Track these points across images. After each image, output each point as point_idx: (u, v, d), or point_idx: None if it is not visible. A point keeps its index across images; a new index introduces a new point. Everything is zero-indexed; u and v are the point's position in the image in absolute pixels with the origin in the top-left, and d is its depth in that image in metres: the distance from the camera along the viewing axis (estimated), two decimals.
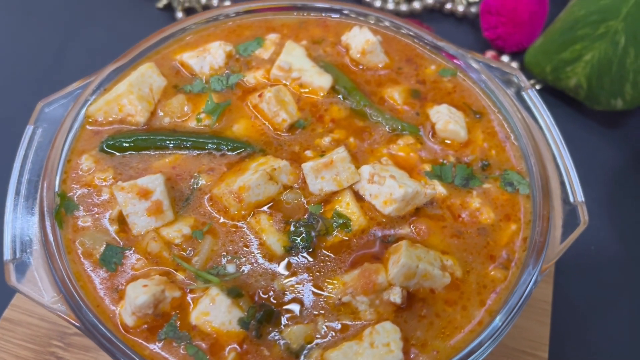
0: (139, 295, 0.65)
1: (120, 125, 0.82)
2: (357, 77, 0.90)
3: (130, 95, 0.81)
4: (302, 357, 0.66)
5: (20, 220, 0.73)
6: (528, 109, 0.86)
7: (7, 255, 0.70)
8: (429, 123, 0.85)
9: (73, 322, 0.65)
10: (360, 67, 0.91)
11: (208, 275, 0.71)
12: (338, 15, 0.96)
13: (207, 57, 0.89)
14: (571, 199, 0.77)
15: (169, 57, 0.90)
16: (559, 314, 0.93)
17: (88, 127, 0.82)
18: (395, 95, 0.88)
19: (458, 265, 0.73)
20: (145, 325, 0.67)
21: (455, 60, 0.91)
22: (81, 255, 0.72)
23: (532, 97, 0.87)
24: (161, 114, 0.84)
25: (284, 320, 0.68)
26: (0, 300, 0.89)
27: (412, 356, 0.67)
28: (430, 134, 0.84)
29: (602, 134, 1.15)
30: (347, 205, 0.76)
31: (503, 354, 0.87)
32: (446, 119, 0.84)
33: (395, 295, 0.69)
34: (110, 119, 0.82)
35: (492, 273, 0.73)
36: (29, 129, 0.79)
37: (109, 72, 0.85)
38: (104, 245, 0.72)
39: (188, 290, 0.70)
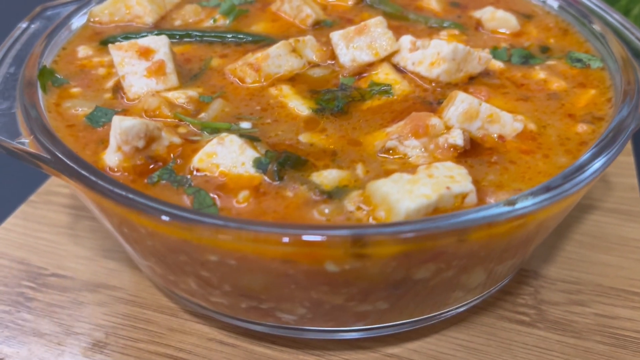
0: (126, 120, 0.51)
1: (126, 27, 0.73)
2: None
3: None
4: (337, 199, 0.49)
5: None
6: (586, 7, 0.75)
7: None
8: (474, 20, 0.75)
9: (43, 155, 0.50)
10: None
11: (217, 124, 0.56)
12: None
13: None
14: None
15: None
16: None
17: (91, 25, 0.73)
18: (432, 3, 0.79)
19: (530, 120, 0.58)
20: (133, 168, 0.51)
21: None
22: (63, 114, 0.59)
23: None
24: (173, 17, 0.75)
25: (312, 168, 0.52)
26: None
27: (488, 193, 0.49)
28: (476, 27, 0.74)
29: None
30: (386, 75, 0.63)
31: (597, 293, 0.67)
32: (492, 10, 0.74)
33: (455, 137, 0.53)
34: (116, 18, 0.74)
35: (576, 127, 0.57)
36: (21, 25, 0.70)
37: None
38: (93, 108, 0.59)
39: (191, 140, 0.55)
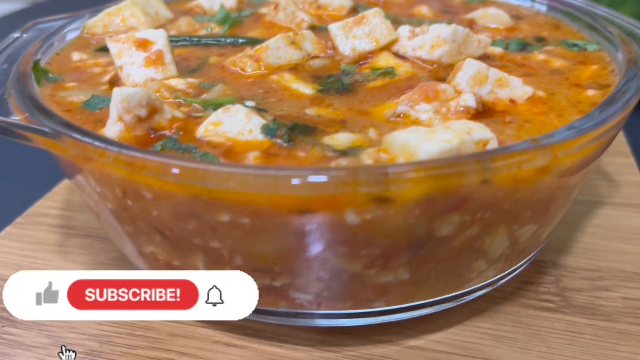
0: (128, 88, 0.49)
1: None
2: (378, 5, 0.83)
3: (133, 7, 0.74)
4: (352, 156, 0.47)
5: None
6: (572, 6, 0.77)
7: None
8: (466, 20, 0.76)
9: (39, 127, 0.48)
10: (381, 0, 0.85)
11: (220, 99, 0.55)
12: None
13: None
14: None
15: (177, 5, 0.85)
16: None
17: (85, 36, 0.72)
18: (423, 10, 0.80)
19: (538, 89, 0.57)
20: (135, 138, 0.49)
21: None
22: (59, 102, 0.57)
23: None
24: (167, 29, 0.75)
25: (323, 134, 0.51)
26: None
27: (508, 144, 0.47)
28: (469, 26, 0.75)
29: None
30: (387, 61, 0.63)
31: (620, 278, 0.64)
32: (484, 10, 0.75)
33: (467, 99, 0.52)
34: (110, 30, 0.73)
35: (585, 93, 0.57)
36: (13, 35, 0.69)
37: (110, 5, 0.79)
38: (90, 96, 0.57)
39: (193, 117, 0.53)
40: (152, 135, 0.49)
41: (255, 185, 0.41)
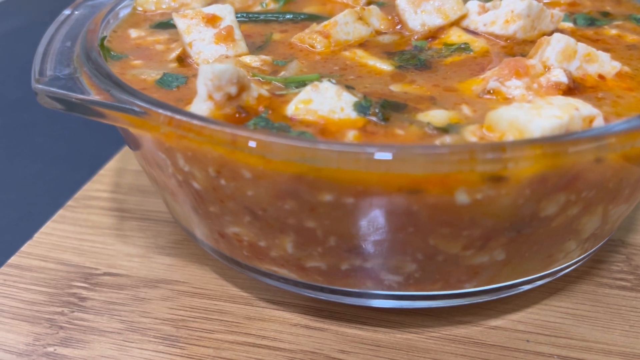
0: (219, 65, 0.47)
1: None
2: None
3: None
4: (455, 132, 0.45)
5: (52, 65, 0.56)
6: None
7: (35, 72, 0.52)
8: None
9: (127, 106, 0.46)
10: None
11: (304, 76, 0.53)
12: None
13: None
14: None
15: None
16: None
17: (137, 13, 0.70)
18: None
19: (622, 65, 0.56)
20: (225, 117, 0.47)
21: None
22: (131, 80, 0.55)
23: None
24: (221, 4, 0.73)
25: (415, 111, 0.49)
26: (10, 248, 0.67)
27: (611, 120, 0.46)
28: None
29: None
30: (459, 37, 0.62)
31: None
32: None
33: (558, 75, 0.51)
34: (163, 6, 0.71)
35: None
36: (64, 13, 0.67)
37: None
38: (162, 74, 0.56)
39: (277, 94, 0.51)
40: (241, 115, 0.48)
41: (368, 164, 0.39)
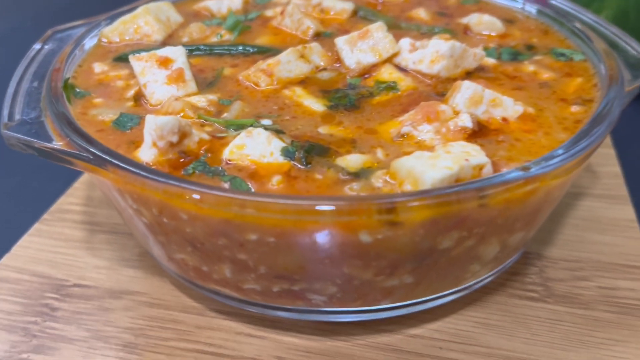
0: (161, 117, 0.54)
1: (136, 45, 0.77)
2: (376, 8, 0.87)
3: (147, 16, 0.78)
4: (364, 178, 0.53)
5: (20, 107, 0.63)
6: (560, 11, 0.82)
7: (5, 116, 0.59)
8: (462, 25, 0.81)
9: (82, 154, 0.53)
10: (380, 1, 0.89)
11: (241, 120, 0.60)
12: None
13: (224, 1, 0.87)
14: (633, 52, 0.70)
15: (186, 6, 0.88)
16: None
17: (102, 44, 0.77)
18: (421, 13, 0.85)
19: (528, 105, 0.63)
20: (168, 162, 0.54)
21: None
22: (90, 121, 0.62)
23: (562, 3, 0.84)
24: (180, 35, 0.79)
25: (335, 155, 0.56)
26: None
27: (501, 165, 0.54)
28: (464, 31, 0.80)
29: None
30: (390, 74, 0.68)
31: (597, 268, 0.71)
32: (478, 16, 0.80)
33: (464, 120, 0.58)
34: (126, 38, 0.77)
35: (569, 109, 0.63)
36: (35, 46, 0.73)
37: (125, 9, 0.82)
38: (118, 114, 0.62)
39: (218, 137, 0.58)
40: (184, 159, 0.55)
41: (283, 213, 0.47)
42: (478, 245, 0.55)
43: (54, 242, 0.77)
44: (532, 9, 0.84)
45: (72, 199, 0.84)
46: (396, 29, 0.80)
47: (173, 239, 0.56)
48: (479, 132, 0.58)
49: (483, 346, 0.63)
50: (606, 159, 0.90)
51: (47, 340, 0.64)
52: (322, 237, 0.49)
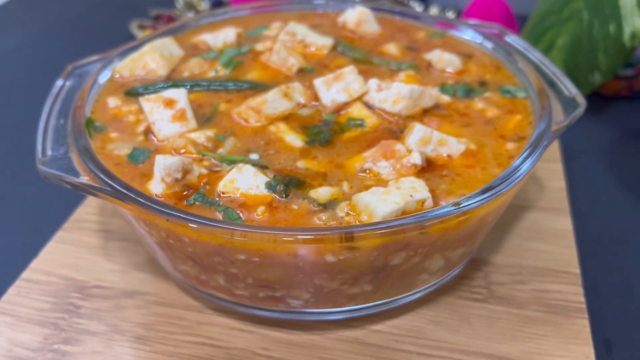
0: (168, 158, 0.67)
1: (143, 80, 0.89)
2: (354, 42, 1.00)
3: (153, 53, 0.90)
4: (330, 209, 0.66)
5: (50, 144, 0.76)
6: (512, 48, 0.95)
7: (39, 152, 0.72)
8: (425, 61, 0.93)
9: (105, 188, 0.66)
10: (357, 35, 1.01)
11: (233, 157, 0.73)
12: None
13: (220, 35, 0.99)
14: (566, 93, 0.83)
15: (186, 38, 1.00)
16: (582, 240, 0.92)
17: (115, 79, 0.89)
18: (391, 49, 0.97)
19: (471, 142, 0.76)
20: (174, 194, 0.67)
21: (442, 26, 1.02)
22: (109, 155, 0.74)
23: (515, 40, 0.96)
24: (181, 69, 0.92)
25: (309, 187, 0.69)
26: (20, 262, 0.88)
27: (441, 198, 0.67)
28: (427, 67, 0.92)
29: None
30: (359, 111, 0.81)
31: (533, 273, 0.85)
32: (440, 53, 0.92)
33: (415, 158, 0.71)
34: (136, 72, 0.90)
35: (506, 145, 0.75)
36: (58, 83, 0.86)
37: (133, 45, 0.95)
38: (132, 149, 0.75)
39: (214, 171, 0.71)
40: (187, 191, 0.68)
41: (263, 242, 0.60)
42: (424, 260, 0.69)
43: (74, 248, 0.90)
44: (488, 44, 0.97)
45: (88, 209, 0.97)
46: (368, 64, 0.92)
47: (177, 255, 0.69)
48: (427, 168, 0.71)
49: (431, 339, 0.76)
50: (553, 174, 1.03)
51: (74, 333, 0.78)
52: (296, 258, 0.63)
